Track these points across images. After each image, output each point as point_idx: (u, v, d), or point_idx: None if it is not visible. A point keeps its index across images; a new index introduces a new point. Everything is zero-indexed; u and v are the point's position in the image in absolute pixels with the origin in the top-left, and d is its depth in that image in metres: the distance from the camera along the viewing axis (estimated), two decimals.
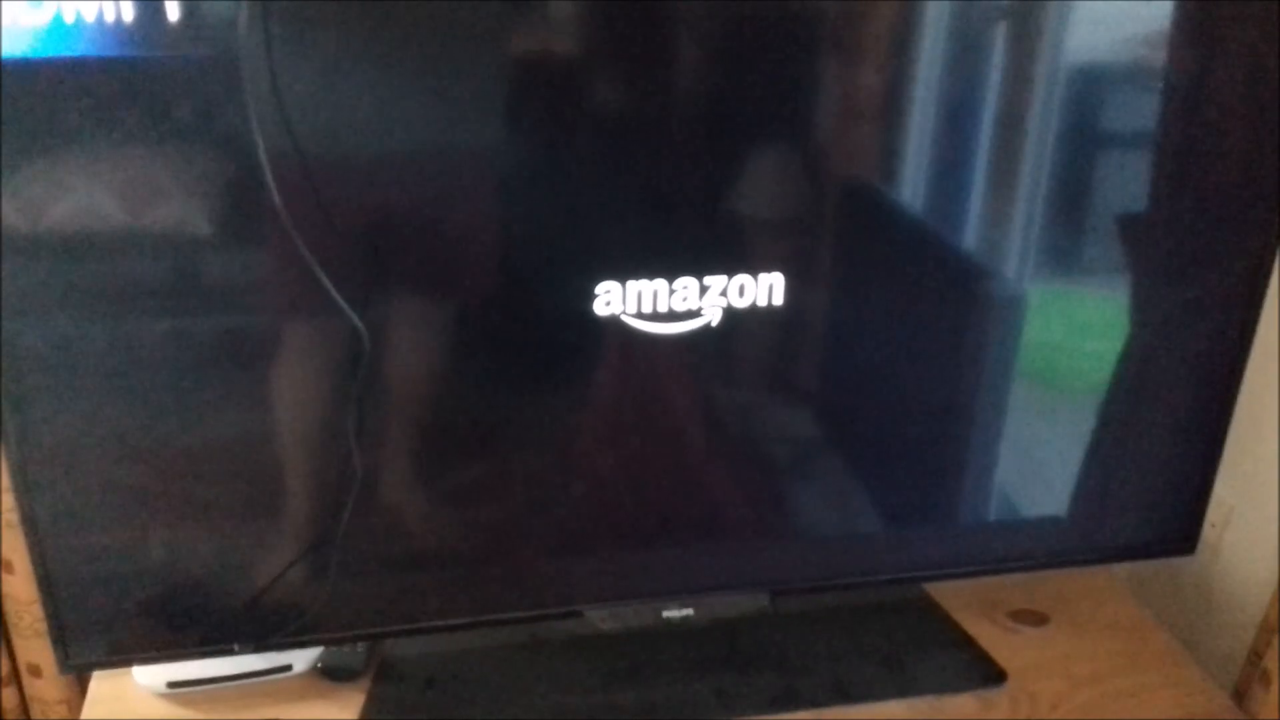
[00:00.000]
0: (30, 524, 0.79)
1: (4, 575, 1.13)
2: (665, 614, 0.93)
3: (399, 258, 0.78)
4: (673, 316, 0.82)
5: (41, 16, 0.66)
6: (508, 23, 0.73)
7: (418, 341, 0.81)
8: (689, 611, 0.93)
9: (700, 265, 0.81)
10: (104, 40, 0.67)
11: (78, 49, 0.67)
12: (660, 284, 0.81)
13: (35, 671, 1.18)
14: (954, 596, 1.04)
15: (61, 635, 0.83)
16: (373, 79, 0.72)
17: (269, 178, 0.70)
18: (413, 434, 0.85)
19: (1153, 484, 0.99)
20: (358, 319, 0.76)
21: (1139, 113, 0.85)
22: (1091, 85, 0.83)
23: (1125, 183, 0.87)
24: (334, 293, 0.74)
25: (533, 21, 0.74)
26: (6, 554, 1.12)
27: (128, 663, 0.88)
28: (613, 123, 0.78)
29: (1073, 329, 0.92)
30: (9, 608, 1.16)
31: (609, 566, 0.93)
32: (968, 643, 0.99)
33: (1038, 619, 1.02)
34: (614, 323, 0.81)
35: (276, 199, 0.71)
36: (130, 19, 0.67)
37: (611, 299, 0.80)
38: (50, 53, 0.67)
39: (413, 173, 0.76)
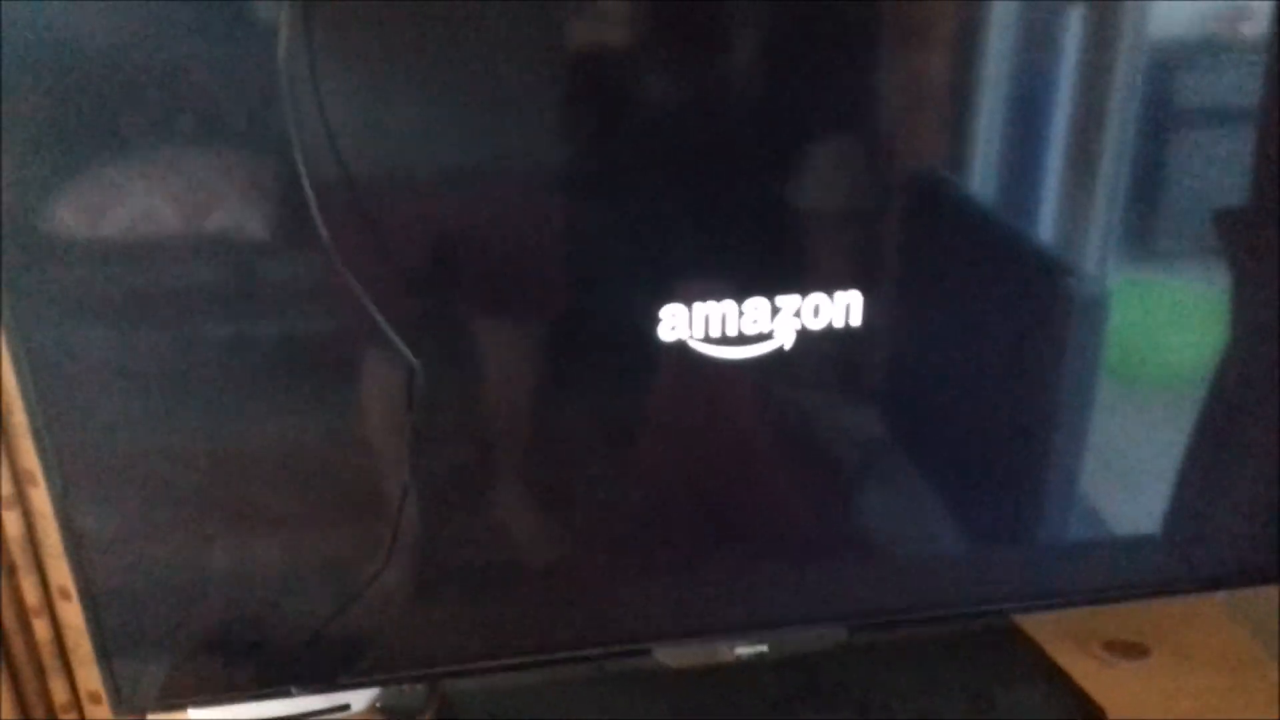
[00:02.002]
0: (77, 556, 0.77)
1: (61, 602, 1.12)
2: (738, 651, 0.88)
3: (452, 282, 0.75)
4: (743, 340, 0.77)
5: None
6: (560, 31, 0.69)
7: (475, 369, 0.78)
8: (763, 648, 0.88)
9: (771, 282, 0.76)
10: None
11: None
12: (729, 305, 0.76)
13: (95, 699, 1.17)
14: (1044, 626, 0.98)
15: (113, 677, 0.81)
16: (420, 92, 0.68)
17: (311, 201, 0.67)
18: (472, 465, 0.81)
19: (1263, 498, 0.91)
20: (407, 348, 0.72)
21: (1233, 89, 0.78)
22: (1180, 61, 0.77)
23: (1220, 164, 0.80)
24: (383, 323, 0.70)
25: (586, 26, 0.70)
26: (64, 582, 1.10)
27: (182, 706, 0.86)
28: (675, 134, 0.73)
29: (1162, 320, 0.86)
30: (68, 635, 1.14)
31: (679, 601, 0.88)
32: (1061, 677, 0.93)
33: (1136, 651, 0.96)
34: (679, 348, 0.76)
35: (320, 225, 0.67)
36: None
37: (677, 323, 0.75)
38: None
39: (464, 193, 0.72)
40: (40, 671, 1.14)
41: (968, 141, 0.77)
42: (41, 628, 1.11)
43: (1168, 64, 0.77)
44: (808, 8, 0.70)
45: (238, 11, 0.64)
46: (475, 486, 0.82)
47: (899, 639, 0.97)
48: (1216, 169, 0.80)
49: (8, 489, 1.04)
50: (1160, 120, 0.78)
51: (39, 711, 1.15)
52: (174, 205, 0.69)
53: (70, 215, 0.68)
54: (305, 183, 0.66)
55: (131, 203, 0.68)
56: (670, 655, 0.87)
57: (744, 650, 0.88)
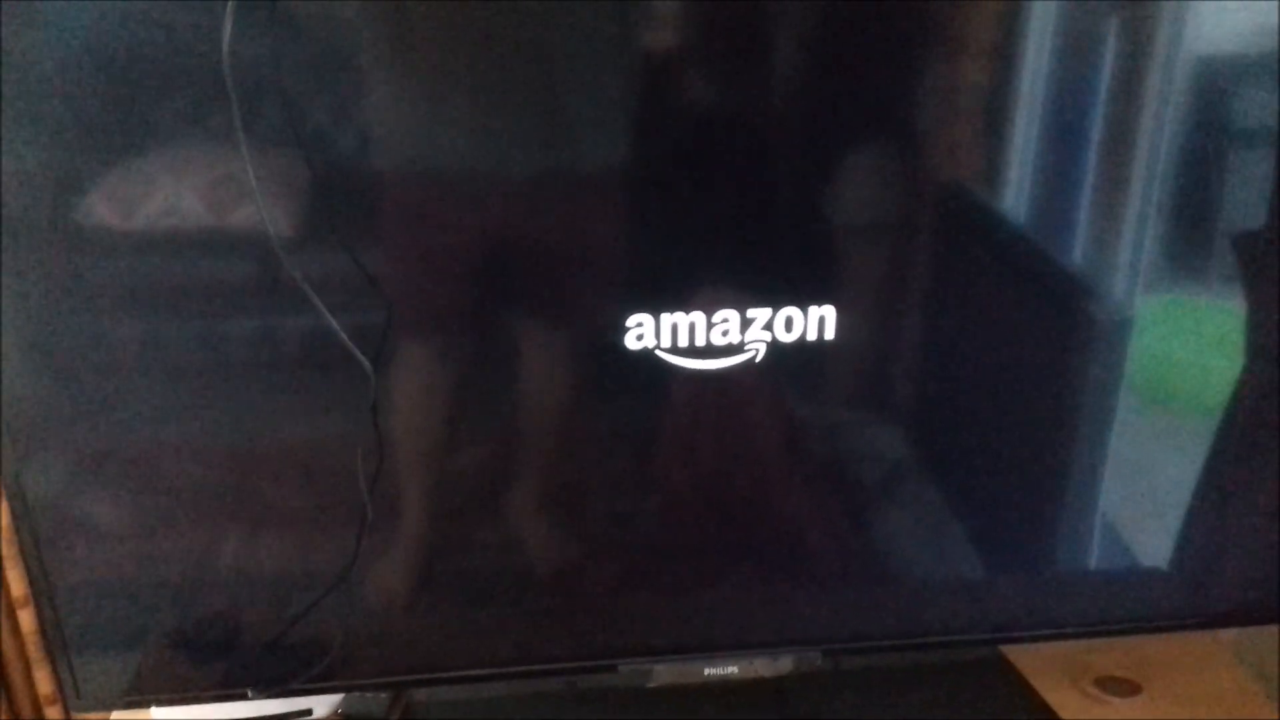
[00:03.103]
0: (32, 546, 0.77)
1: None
2: (708, 671, 0.86)
3: (413, 287, 0.74)
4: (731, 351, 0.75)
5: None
6: (540, 39, 0.68)
7: (436, 375, 0.76)
8: (732, 670, 0.86)
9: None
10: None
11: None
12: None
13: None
14: (1032, 658, 0.95)
15: (71, 672, 0.81)
16: (393, 96, 0.68)
17: (264, 211, 0.66)
18: (436, 473, 0.80)
19: (1272, 536, 0.87)
20: (361, 354, 0.71)
21: (1266, 111, 0.75)
22: (1213, 82, 0.75)
23: (1251, 186, 0.78)
24: (335, 326, 0.69)
25: (569, 32, 0.69)
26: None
27: (143, 704, 0.85)
28: (689, 136, 0.73)
29: (1185, 346, 0.83)
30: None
31: (648, 617, 0.87)
32: (1047, 714, 0.90)
33: (1129, 688, 0.92)
34: (647, 358, 0.75)
35: (272, 229, 0.67)
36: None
37: (644, 332, 0.74)
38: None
39: (430, 196, 0.71)
40: (26, 664, 1.14)
41: (995, 158, 0.76)
42: (26, 619, 1.12)
43: (1200, 84, 0.75)
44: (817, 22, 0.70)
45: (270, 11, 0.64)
46: (440, 496, 0.81)
47: (880, 667, 0.94)
48: (1247, 190, 0.78)
49: None
50: (1191, 141, 0.76)
51: (26, 705, 1.16)
52: (201, 199, 0.69)
53: (103, 208, 0.68)
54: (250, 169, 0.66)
55: (160, 196, 0.69)
56: (638, 674, 0.85)
57: (712, 671, 0.86)
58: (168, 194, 0.69)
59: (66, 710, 1.18)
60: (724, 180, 0.73)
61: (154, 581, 0.80)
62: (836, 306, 0.75)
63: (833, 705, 0.90)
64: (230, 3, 0.62)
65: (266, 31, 0.64)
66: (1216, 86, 0.75)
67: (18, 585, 1.10)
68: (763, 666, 0.86)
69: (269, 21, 0.64)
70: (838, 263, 0.77)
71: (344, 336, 0.70)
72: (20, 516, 0.76)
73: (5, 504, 1.04)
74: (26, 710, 1.15)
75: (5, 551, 1.08)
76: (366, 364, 0.71)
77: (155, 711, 0.89)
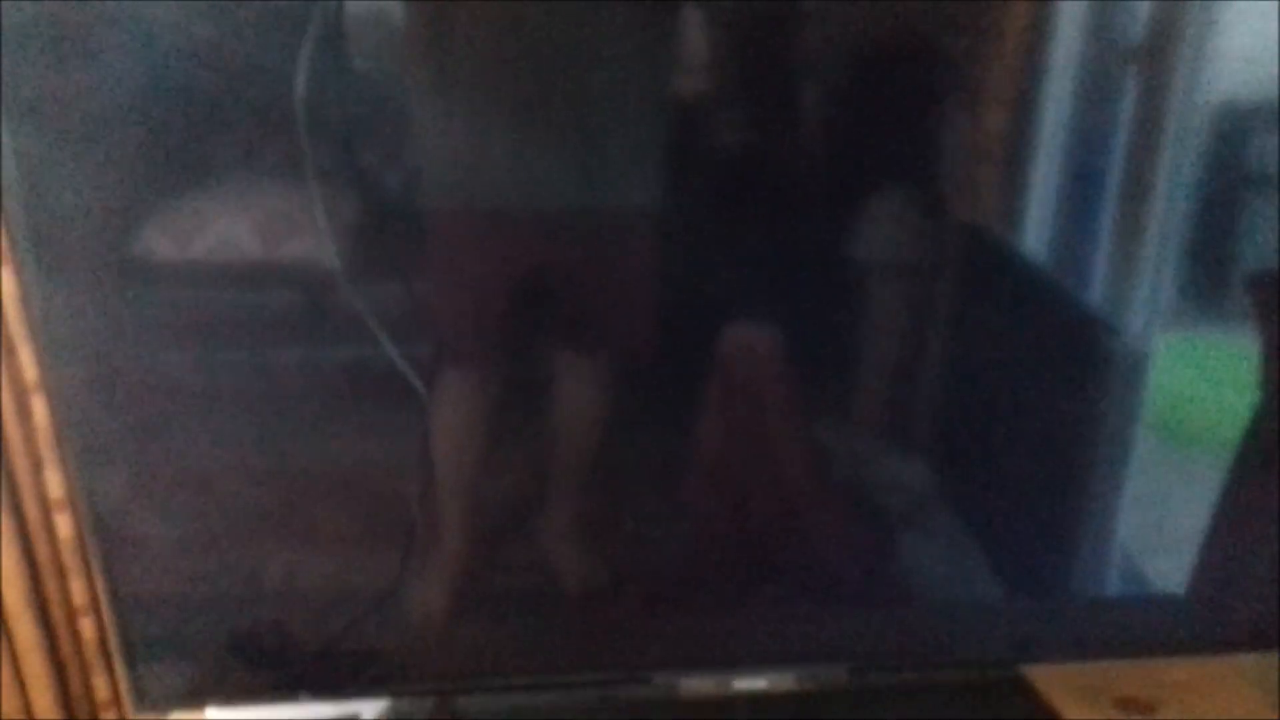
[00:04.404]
0: (101, 558, 0.81)
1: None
2: (736, 684, 0.89)
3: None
4: None
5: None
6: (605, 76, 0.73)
7: (480, 401, 0.81)
8: (762, 683, 0.89)
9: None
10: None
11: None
12: None
13: None
14: (1051, 679, 0.97)
15: (138, 677, 0.85)
16: (441, 133, 0.72)
17: (326, 229, 0.71)
18: (479, 494, 0.84)
19: None
20: (414, 376, 0.75)
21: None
22: (1230, 126, 0.77)
23: (1268, 227, 0.80)
24: (391, 349, 0.74)
25: (628, 71, 0.74)
26: None
27: (202, 704, 0.90)
28: (720, 175, 0.77)
29: (1200, 381, 0.86)
30: (112, 635, 1.19)
31: (686, 631, 0.90)
32: None
33: (1146, 708, 0.94)
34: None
35: (334, 253, 0.71)
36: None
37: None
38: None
39: (475, 231, 0.76)
40: (84, 670, 1.19)
41: (1018, 200, 0.79)
42: (87, 627, 1.16)
43: (1216, 129, 0.77)
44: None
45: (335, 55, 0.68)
46: (491, 509, 0.85)
47: (905, 684, 0.96)
48: (1262, 232, 0.80)
49: (59, 493, 1.09)
50: (1213, 182, 0.79)
51: (82, 709, 1.20)
52: (253, 233, 0.74)
53: (158, 240, 0.73)
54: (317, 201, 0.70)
55: (214, 230, 0.74)
56: (673, 685, 0.89)
57: (742, 684, 0.89)
58: (223, 227, 0.74)
59: (121, 711, 1.22)
60: (757, 221, 0.77)
61: (212, 592, 0.84)
62: (862, 340, 0.78)
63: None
64: (305, 46, 0.67)
65: (331, 73, 0.68)
66: (1233, 130, 0.77)
67: (80, 594, 1.15)
68: (790, 681, 0.89)
69: (334, 65, 0.68)
70: (864, 300, 0.80)
71: (403, 364, 0.74)
72: (91, 531, 0.80)
73: (71, 517, 1.10)
74: (83, 712, 1.19)
75: (68, 562, 1.13)
76: (421, 389, 0.75)
77: (210, 712, 0.93)
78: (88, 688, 1.20)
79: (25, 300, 0.76)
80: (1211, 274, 0.82)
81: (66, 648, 1.16)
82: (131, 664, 0.84)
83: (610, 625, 0.90)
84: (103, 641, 1.19)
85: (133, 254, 0.73)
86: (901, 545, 0.90)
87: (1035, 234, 0.80)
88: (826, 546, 0.88)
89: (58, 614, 1.14)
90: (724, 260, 0.78)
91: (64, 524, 1.11)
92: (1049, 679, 0.97)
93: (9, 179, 0.68)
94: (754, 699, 0.90)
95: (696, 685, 0.90)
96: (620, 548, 0.87)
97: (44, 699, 1.13)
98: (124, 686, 0.85)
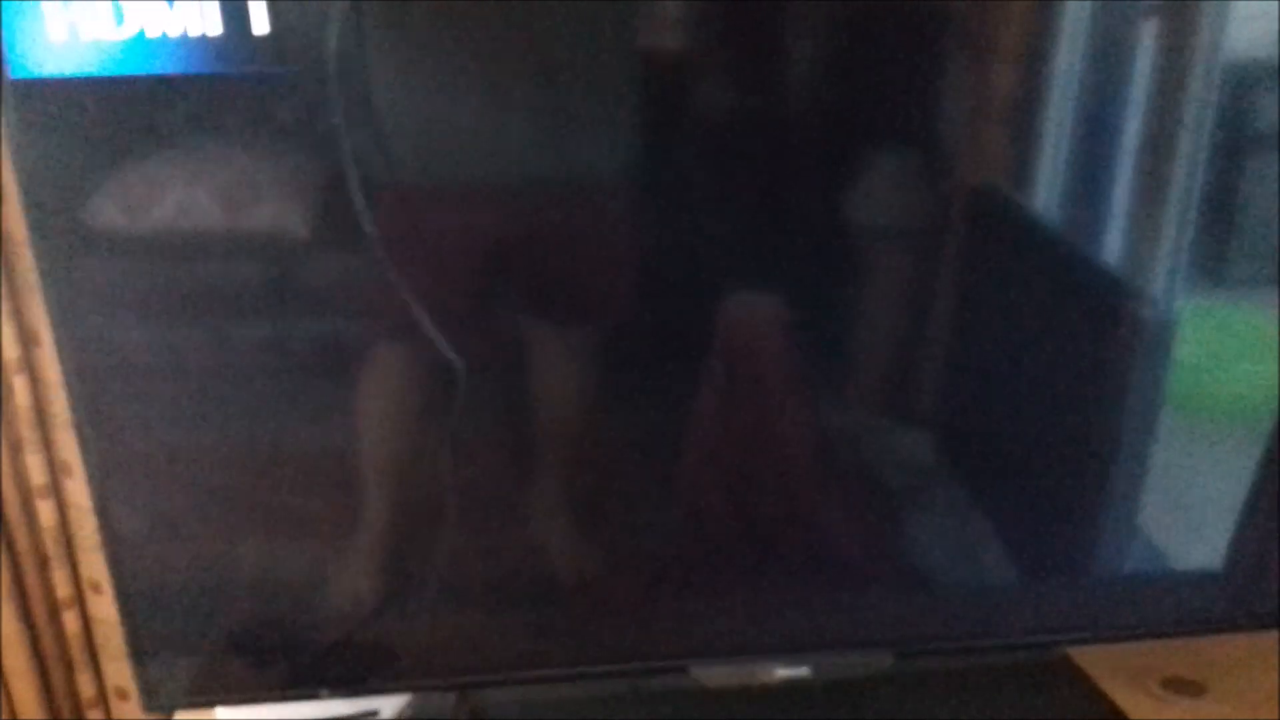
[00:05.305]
0: (114, 553, 0.76)
1: (92, 596, 1.11)
2: (780, 673, 0.85)
3: (496, 285, 0.73)
4: None
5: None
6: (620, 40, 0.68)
7: (518, 376, 0.76)
8: (805, 671, 0.85)
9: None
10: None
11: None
12: None
13: (122, 694, 1.16)
14: (1100, 661, 0.94)
15: (146, 674, 0.80)
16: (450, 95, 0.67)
17: (359, 201, 0.65)
18: (510, 470, 0.79)
19: None
20: (452, 350, 0.70)
21: None
22: (1256, 82, 0.74)
23: None
24: (428, 323, 0.69)
25: (637, 29, 0.68)
26: (95, 575, 1.09)
27: (211, 704, 0.84)
28: (709, 137, 0.71)
29: (1230, 349, 0.82)
30: (97, 630, 1.13)
31: (719, 619, 0.86)
32: (1116, 715, 0.90)
33: (1195, 689, 0.92)
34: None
35: (367, 223, 0.66)
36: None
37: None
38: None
39: (506, 197, 0.70)
40: (68, 666, 1.13)
41: (1032, 158, 0.75)
42: (71, 621, 1.10)
43: (1243, 84, 0.74)
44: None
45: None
46: (513, 494, 0.80)
47: (948, 669, 0.93)
48: None
49: (42, 479, 1.03)
50: (1234, 142, 0.75)
51: (66, 707, 1.14)
52: (215, 201, 0.68)
53: (114, 209, 0.67)
54: (353, 183, 0.65)
55: (173, 197, 0.67)
56: (707, 675, 0.85)
57: (785, 672, 0.85)
58: (180, 194, 0.68)
59: (107, 711, 1.16)
60: (745, 190, 0.72)
61: (221, 581, 0.78)
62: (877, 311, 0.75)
63: (905, 708, 0.90)
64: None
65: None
66: (1256, 88, 0.74)
67: (64, 585, 1.09)
68: (835, 668, 0.86)
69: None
70: (874, 265, 0.76)
71: (437, 334, 0.69)
72: (100, 521, 0.75)
73: (54, 504, 1.04)
74: (68, 711, 1.14)
75: (50, 552, 1.07)
76: (457, 360, 0.70)
77: (220, 711, 0.87)
78: (71, 685, 1.14)
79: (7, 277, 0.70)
80: (1235, 238, 0.79)
81: (49, 642, 1.10)
82: (140, 661, 0.79)
83: (644, 614, 0.85)
84: (88, 637, 1.13)
85: (87, 224, 0.67)
86: (920, 526, 0.86)
87: (1050, 196, 0.76)
88: (843, 529, 0.84)
89: (39, 608, 1.08)
90: (718, 228, 0.73)
91: (46, 511, 1.05)
92: (1095, 660, 0.94)
93: None
94: (791, 688, 0.86)
95: (733, 674, 0.85)
96: (617, 531, 0.83)
97: (26, 695, 1.07)
98: (134, 685, 0.79)
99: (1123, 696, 0.91)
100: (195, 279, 0.69)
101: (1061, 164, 0.75)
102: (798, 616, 0.86)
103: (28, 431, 1.00)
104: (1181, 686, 0.92)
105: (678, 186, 0.72)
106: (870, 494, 0.85)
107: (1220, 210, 0.77)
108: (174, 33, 0.62)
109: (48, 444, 1.02)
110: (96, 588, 1.10)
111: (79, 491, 1.04)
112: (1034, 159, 0.75)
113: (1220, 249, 0.79)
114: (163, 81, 0.63)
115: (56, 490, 1.04)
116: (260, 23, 0.62)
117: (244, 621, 0.80)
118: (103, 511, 0.74)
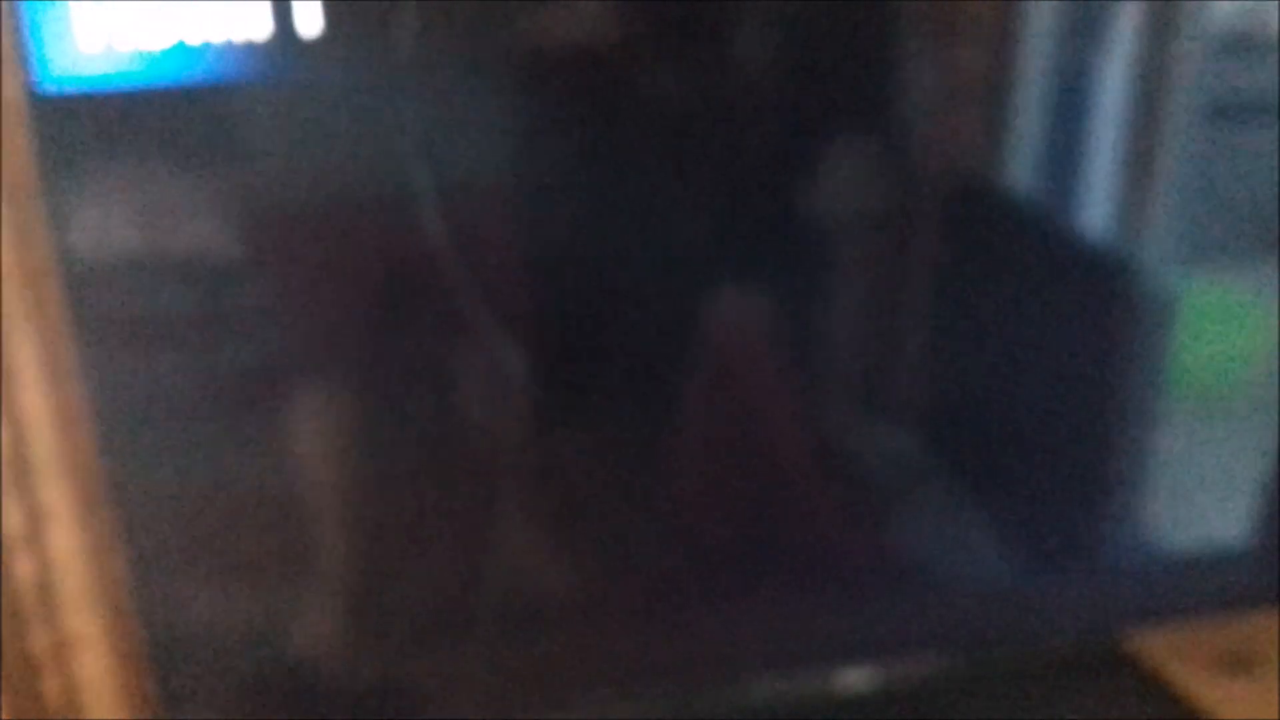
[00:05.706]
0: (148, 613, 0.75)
1: (78, 655, 1.04)
2: (835, 682, 0.83)
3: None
4: None
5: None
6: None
7: (523, 387, 0.72)
8: (861, 678, 0.83)
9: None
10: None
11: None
12: None
13: None
14: (1149, 643, 0.94)
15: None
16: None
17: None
18: (529, 482, 0.76)
19: None
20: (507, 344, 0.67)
21: None
22: (1239, 52, 0.74)
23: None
24: (495, 333, 0.65)
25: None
26: (81, 630, 1.02)
27: None
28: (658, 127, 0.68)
29: (1226, 325, 0.83)
30: (83, 694, 1.06)
31: (765, 627, 0.83)
32: (1178, 696, 0.89)
33: (1246, 662, 0.93)
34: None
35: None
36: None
37: None
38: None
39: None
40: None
41: (1016, 138, 0.74)
42: (51, 684, 1.03)
43: (1228, 53, 0.74)
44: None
45: None
46: (535, 504, 0.76)
47: (998, 672, 0.92)
48: None
49: (22, 527, 0.95)
50: (1226, 114, 0.75)
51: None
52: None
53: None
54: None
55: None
56: (754, 687, 0.82)
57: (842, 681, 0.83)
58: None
59: None
60: (712, 184, 0.70)
61: (238, 632, 0.75)
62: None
63: (970, 710, 0.88)
64: None
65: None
66: (1247, 55, 0.74)
67: (41, 644, 1.01)
68: (903, 671, 0.83)
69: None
70: (854, 256, 0.74)
71: (503, 347, 0.65)
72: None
73: (31, 556, 0.97)
74: None
75: (31, 609, 1.00)
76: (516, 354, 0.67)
77: None
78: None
79: None
80: (1228, 212, 0.79)
81: (25, 711, 1.02)
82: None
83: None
84: (70, 701, 1.05)
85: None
86: (940, 525, 0.85)
87: (1036, 174, 0.75)
88: (844, 532, 0.82)
89: (11, 669, 1.00)
90: (689, 227, 0.71)
91: (24, 565, 0.97)
92: (1149, 646, 0.94)
93: None
94: (853, 698, 0.84)
95: (787, 686, 0.83)
96: (650, 549, 0.79)
97: None
98: None
99: (1181, 680, 0.91)
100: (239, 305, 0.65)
101: (1047, 139, 0.74)
102: (853, 625, 0.84)
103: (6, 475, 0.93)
104: (1237, 662, 0.93)
105: (638, 185, 0.69)
106: (869, 497, 0.83)
107: (1210, 184, 0.77)
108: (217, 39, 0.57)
109: (27, 489, 0.95)
110: (83, 646, 1.03)
111: (64, 538, 0.97)
112: (1017, 138, 0.74)
113: (1221, 225, 0.80)
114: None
115: (38, 539, 0.97)
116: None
117: (263, 672, 0.76)
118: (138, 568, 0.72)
